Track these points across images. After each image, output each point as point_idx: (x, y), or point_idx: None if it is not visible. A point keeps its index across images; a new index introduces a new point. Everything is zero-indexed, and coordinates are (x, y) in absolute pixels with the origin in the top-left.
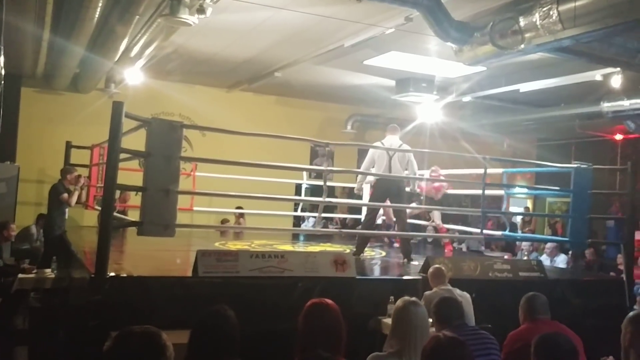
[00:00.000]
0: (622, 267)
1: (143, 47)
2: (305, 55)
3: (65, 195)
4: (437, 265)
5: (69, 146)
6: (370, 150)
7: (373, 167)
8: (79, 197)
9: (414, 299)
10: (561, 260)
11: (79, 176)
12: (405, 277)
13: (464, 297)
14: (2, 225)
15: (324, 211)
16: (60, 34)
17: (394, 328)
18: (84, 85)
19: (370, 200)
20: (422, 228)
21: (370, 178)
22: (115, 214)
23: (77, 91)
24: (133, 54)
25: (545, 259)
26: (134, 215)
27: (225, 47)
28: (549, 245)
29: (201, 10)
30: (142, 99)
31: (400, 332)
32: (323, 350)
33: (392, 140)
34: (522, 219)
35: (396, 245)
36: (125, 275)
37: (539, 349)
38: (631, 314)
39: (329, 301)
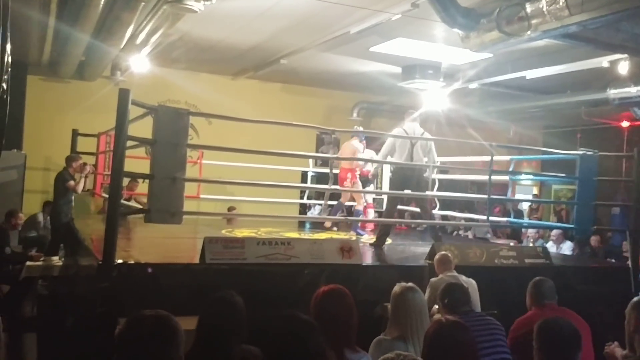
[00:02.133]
0: (627, 254)
1: (149, 34)
2: (311, 42)
3: (72, 182)
4: (443, 252)
5: (75, 134)
6: (390, 137)
7: (391, 155)
8: (84, 184)
9: (410, 284)
10: (567, 247)
11: (84, 164)
12: (411, 264)
13: (470, 283)
14: (10, 213)
15: (330, 199)
16: (65, 21)
17: (392, 314)
18: (90, 73)
19: (390, 188)
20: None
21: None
22: (122, 201)
23: (83, 79)
24: (139, 41)
25: (551, 246)
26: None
27: (230, 34)
28: (554, 232)
29: None
30: (148, 86)
31: (400, 317)
32: (333, 336)
33: (413, 127)
34: (530, 206)
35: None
36: (132, 262)
37: (541, 333)
38: (635, 299)
39: (343, 288)
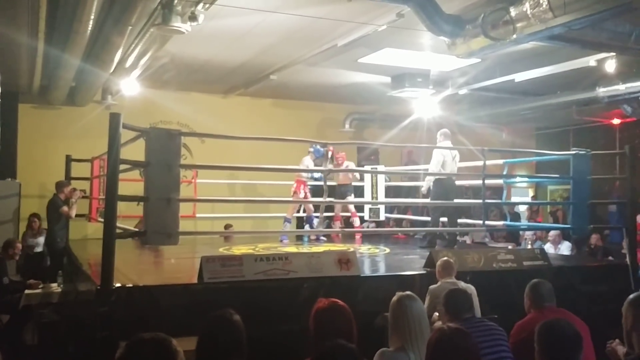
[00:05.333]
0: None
1: (138, 57)
2: (300, 56)
3: (65, 208)
4: (445, 258)
5: (69, 160)
6: (439, 152)
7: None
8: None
9: (408, 293)
10: (565, 247)
11: (74, 189)
12: (409, 273)
13: (469, 289)
14: (8, 243)
15: (326, 211)
16: (54, 46)
17: (392, 324)
18: (81, 98)
19: (433, 199)
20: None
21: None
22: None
23: (74, 104)
24: (128, 64)
25: (549, 247)
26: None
27: (219, 52)
28: (552, 233)
29: (193, 17)
30: (139, 109)
31: (400, 327)
32: None
33: (449, 145)
34: (529, 209)
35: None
36: (131, 285)
37: (542, 336)
38: (631, 296)
39: (340, 302)
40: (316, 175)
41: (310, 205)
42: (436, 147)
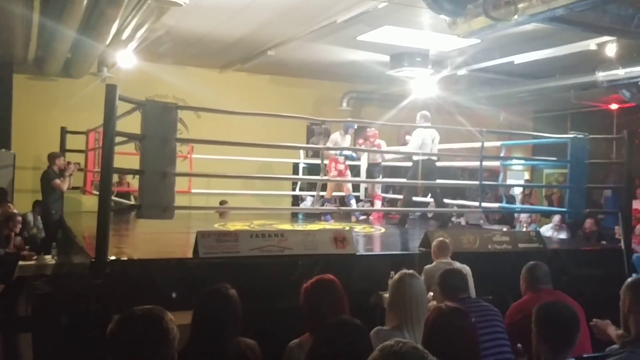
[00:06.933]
0: (620, 237)
1: (134, 29)
2: (298, 32)
3: (57, 181)
4: (441, 238)
5: (64, 132)
6: (419, 134)
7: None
8: (69, 182)
9: (411, 271)
10: (565, 234)
11: (69, 163)
12: (405, 252)
13: (464, 269)
14: (9, 217)
15: (322, 189)
16: (50, 17)
17: (391, 301)
18: (77, 70)
19: (410, 179)
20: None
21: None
22: (113, 197)
23: (69, 76)
24: (125, 36)
25: (546, 230)
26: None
27: (216, 26)
28: (556, 219)
29: None
30: (135, 82)
31: (398, 304)
32: None
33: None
34: (523, 192)
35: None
36: (125, 258)
37: (540, 317)
38: (629, 280)
39: (330, 276)
40: (346, 152)
41: (349, 186)
42: (432, 127)
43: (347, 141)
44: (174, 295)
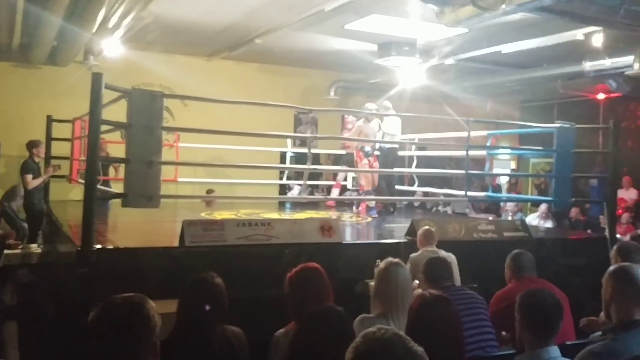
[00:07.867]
0: (605, 226)
1: (121, 16)
2: (286, 21)
3: (28, 177)
4: (427, 227)
5: (50, 120)
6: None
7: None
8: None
9: (396, 260)
10: (551, 223)
11: (51, 166)
12: (391, 241)
13: (449, 257)
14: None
15: (309, 179)
16: (35, 3)
17: (376, 289)
18: (62, 58)
19: (382, 167)
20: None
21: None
22: (99, 186)
23: (55, 64)
24: (111, 24)
25: (532, 219)
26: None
27: (203, 14)
28: (543, 207)
29: None
30: (122, 70)
31: (383, 292)
32: None
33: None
34: (509, 181)
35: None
36: (111, 247)
37: (523, 305)
38: (611, 268)
39: (314, 265)
40: (367, 148)
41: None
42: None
43: (372, 128)
44: (159, 283)
